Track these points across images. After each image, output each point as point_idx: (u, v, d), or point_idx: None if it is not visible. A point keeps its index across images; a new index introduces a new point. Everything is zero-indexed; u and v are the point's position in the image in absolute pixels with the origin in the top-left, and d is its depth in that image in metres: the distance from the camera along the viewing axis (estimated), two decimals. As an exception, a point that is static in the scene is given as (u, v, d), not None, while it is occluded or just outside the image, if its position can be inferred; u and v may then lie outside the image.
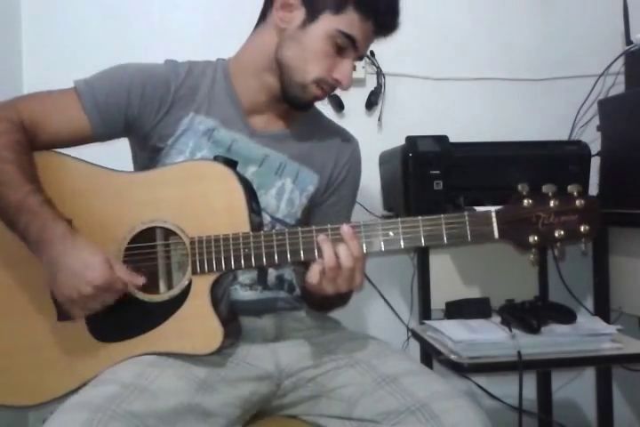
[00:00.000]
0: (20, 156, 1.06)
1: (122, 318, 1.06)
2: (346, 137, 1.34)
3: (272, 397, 1.15)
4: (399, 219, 1.02)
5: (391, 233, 1.01)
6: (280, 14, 1.16)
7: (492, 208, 1.01)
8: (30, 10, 1.81)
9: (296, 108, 1.22)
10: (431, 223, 1.01)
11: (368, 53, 1.90)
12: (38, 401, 1.08)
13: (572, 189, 1.00)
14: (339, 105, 1.91)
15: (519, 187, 1.01)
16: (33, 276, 1.08)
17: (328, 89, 1.19)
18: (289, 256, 1.03)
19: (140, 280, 1.03)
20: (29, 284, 1.10)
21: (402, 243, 1.01)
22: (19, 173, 1.04)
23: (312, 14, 1.14)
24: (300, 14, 1.15)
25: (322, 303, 1.22)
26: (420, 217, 1.01)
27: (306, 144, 1.26)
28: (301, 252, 1.02)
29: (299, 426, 1.15)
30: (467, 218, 1.00)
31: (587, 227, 0.99)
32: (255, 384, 1.12)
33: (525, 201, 1.00)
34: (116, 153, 1.23)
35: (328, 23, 1.13)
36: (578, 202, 0.99)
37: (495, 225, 1.00)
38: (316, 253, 1.01)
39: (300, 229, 1.03)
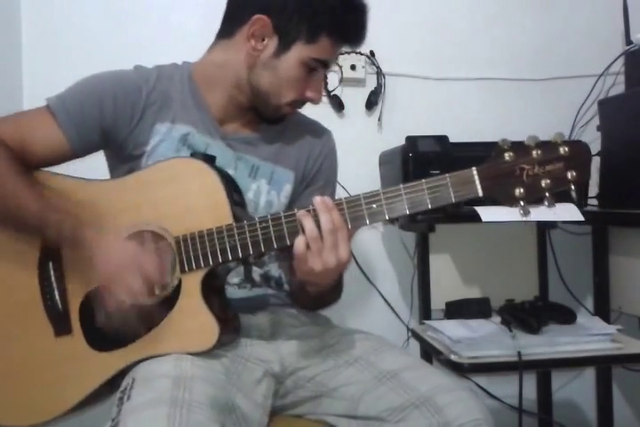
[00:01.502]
0: (18, 166, 1.09)
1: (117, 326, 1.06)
2: (317, 129, 1.33)
3: (275, 396, 1.15)
4: (380, 190, 1.00)
5: (374, 206, 1.00)
6: (252, 43, 1.15)
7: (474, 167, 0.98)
8: (30, 10, 1.81)
9: (269, 123, 1.25)
10: (413, 190, 0.99)
11: (368, 53, 1.90)
12: (45, 419, 1.08)
13: (556, 137, 0.97)
14: (339, 105, 1.91)
15: (500, 142, 0.97)
16: (24, 296, 1.10)
17: (300, 106, 1.24)
18: (275, 242, 1.02)
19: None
20: (23, 304, 1.10)
21: (386, 214, 1.00)
22: (28, 183, 1.08)
23: (285, 44, 1.14)
24: (272, 43, 1.15)
25: (316, 298, 1.17)
26: (401, 185, 0.99)
27: (278, 143, 1.26)
28: (287, 236, 1.01)
29: (306, 425, 1.15)
30: (448, 180, 0.98)
31: (574, 173, 0.95)
32: (266, 381, 1.12)
33: (506, 154, 0.96)
34: (91, 168, 1.20)
35: (301, 52, 1.14)
36: (562, 149, 0.95)
37: (478, 183, 0.97)
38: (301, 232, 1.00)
39: (282, 213, 1.02)
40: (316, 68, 1.17)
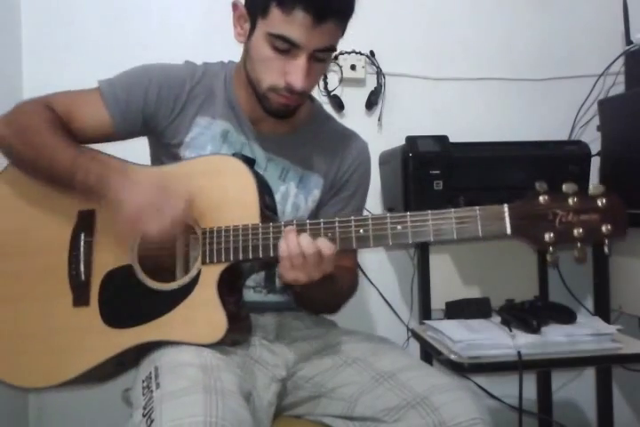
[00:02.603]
0: (59, 127, 1.14)
1: (132, 306, 1.09)
2: (352, 139, 1.33)
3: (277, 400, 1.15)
4: (408, 213, 1.00)
5: (399, 227, 1.00)
6: (237, 29, 1.16)
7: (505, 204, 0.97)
8: (30, 10, 1.81)
9: (275, 118, 1.20)
10: (440, 218, 0.98)
11: (368, 53, 1.90)
12: (49, 384, 1.11)
13: (595, 189, 0.95)
14: (339, 105, 1.91)
15: (537, 185, 0.96)
16: (53, 262, 1.14)
17: (288, 95, 1.13)
18: None
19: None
20: (48, 271, 1.15)
21: (410, 237, 0.99)
22: (61, 138, 1.12)
23: (253, 23, 1.12)
24: (247, 26, 1.14)
25: (312, 300, 1.21)
26: (429, 211, 0.99)
27: (310, 148, 1.26)
28: None
29: (304, 426, 1.15)
30: (478, 213, 0.97)
31: (609, 226, 0.93)
32: (273, 387, 1.13)
33: (542, 198, 0.95)
34: (133, 152, 1.24)
35: (261, 28, 1.11)
36: (600, 201, 0.94)
37: (507, 220, 0.96)
38: None
39: (307, 221, 1.04)
40: (287, 50, 1.09)
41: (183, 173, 1.12)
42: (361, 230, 1.01)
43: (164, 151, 1.24)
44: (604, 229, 0.94)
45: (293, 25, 1.06)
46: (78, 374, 1.09)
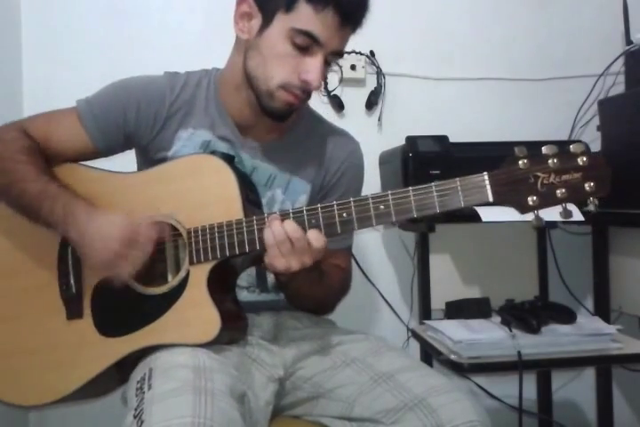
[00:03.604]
0: (33, 156, 1.14)
1: (125, 313, 1.09)
2: (342, 141, 1.30)
3: (275, 400, 1.15)
4: (389, 192, 0.99)
5: (382, 206, 0.99)
6: (240, 25, 1.14)
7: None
8: (30, 10, 1.81)
9: (275, 119, 1.17)
10: (422, 193, 0.97)
11: (368, 53, 1.90)
12: (47, 400, 1.11)
13: (575, 147, 0.92)
14: (339, 105, 1.91)
15: (516, 150, 0.93)
16: (43, 278, 1.14)
17: (300, 93, 1.12)
18: None
19: (165, 229, 1.06)
20: (40, 286, 1.14)
21: (393, 216, 0.99)
22: (34, 168, 1.12)
23: (267, 19, 1.09)
24: (257, 22, 1.11)
25: (300, 293, 1.19)
26: (410, 187, 0.98)
27: (298, 153, 1.25)
28: None
29: (303, 426, 1.15)
30: (458, 184, 0.96)
31: (592, 184, 0.91)
32: (271, 386, 1.12)
33: (521, 162, 0.93)
34: (122, 165, 1.23)
35: (282, 23, 1.08)
36: (580, 159, 0.91)
37: (489, 188, 0.94)
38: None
39: (290, 210, 1.03)
40: (308, 47, 1.08)
41: (163, 176, 1.12)
42: (344, 214, 1.01)
43: (149, 166, 1.20)
44: (586, 187, 0.91)
45: (323, 23, 1.07)
46: (79, 386, 1.08)
